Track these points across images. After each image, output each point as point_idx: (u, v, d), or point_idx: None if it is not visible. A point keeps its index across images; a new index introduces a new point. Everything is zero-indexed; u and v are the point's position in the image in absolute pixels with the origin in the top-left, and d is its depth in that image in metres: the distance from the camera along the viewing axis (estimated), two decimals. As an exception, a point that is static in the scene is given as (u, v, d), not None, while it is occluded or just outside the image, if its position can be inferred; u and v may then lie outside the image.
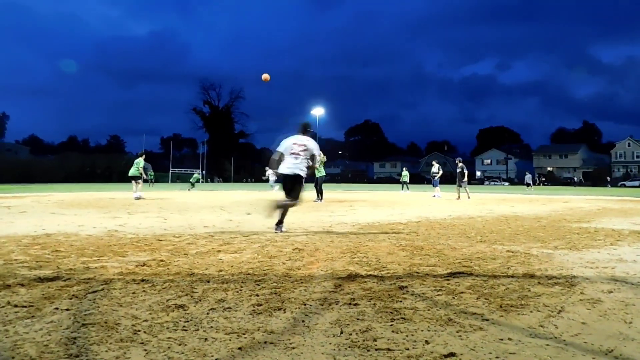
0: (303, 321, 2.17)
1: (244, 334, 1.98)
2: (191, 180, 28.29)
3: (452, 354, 1.77)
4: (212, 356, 1.74)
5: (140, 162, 14.47)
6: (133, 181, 14.33)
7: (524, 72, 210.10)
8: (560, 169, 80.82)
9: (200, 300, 2.49)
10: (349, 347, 1.85)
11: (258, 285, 2.86)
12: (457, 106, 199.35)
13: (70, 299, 2.51)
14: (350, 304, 2.45)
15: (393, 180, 70.28)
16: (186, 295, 2.60)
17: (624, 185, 58.63)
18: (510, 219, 7.95)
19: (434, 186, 18.11)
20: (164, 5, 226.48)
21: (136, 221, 6.92)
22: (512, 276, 3.18)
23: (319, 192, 13.37)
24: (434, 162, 19.52)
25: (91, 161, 60.32)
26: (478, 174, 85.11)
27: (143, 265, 3.44)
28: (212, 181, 69.41)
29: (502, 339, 1.94)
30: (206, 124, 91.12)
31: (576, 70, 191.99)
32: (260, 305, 2.41)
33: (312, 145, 5.74)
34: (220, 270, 3.29)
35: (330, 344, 1.88)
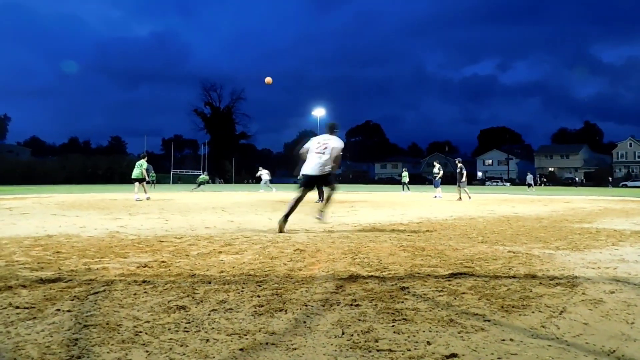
0: (304, 322, 2.17)
1: (245, 335, 1.98)
2: (199, 179, 28.12)
3: (453, 355, 1.77)
4: (214, 357, 1.75)
5: (142, 163, 14.47)
6: (136, 183, 14.33)
7: (525, 72, 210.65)
8: (562, 169, 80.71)
9: (201, 302, 2.49)
10: (351, 348, 1.84)
11: (259, 286, 2.86)
12: (458, 106, 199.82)
13: (72, 300, 2.51)
14: (351, 304, 2.45)
15: (394, 180, 70.25)
16: (187, 296, 2.61)
17: (626, 186, 58.59)
18: (512, 219, 7.94)
19: (435, 187, 18.12)
20: (165, 6, 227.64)
21: (137, 222, 6.93)
22: (514, 277, 3.17)
23: (321, 193, 13.36)
24: (435, 163, 19.49)
25: (92, 162, 60.19)
26: (479, 174, 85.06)
27: (144, 267, 3.44)
28: (214, 182, 69.42)
29: (503, 340, 1.94)
30: (207, 125, 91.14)
31: (577, 71, 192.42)
32: (262, 306, 2.41)
33: (336, 143, 5.95)
34: (222, 271, 3.29)
35: (331, 344, 1.88)
